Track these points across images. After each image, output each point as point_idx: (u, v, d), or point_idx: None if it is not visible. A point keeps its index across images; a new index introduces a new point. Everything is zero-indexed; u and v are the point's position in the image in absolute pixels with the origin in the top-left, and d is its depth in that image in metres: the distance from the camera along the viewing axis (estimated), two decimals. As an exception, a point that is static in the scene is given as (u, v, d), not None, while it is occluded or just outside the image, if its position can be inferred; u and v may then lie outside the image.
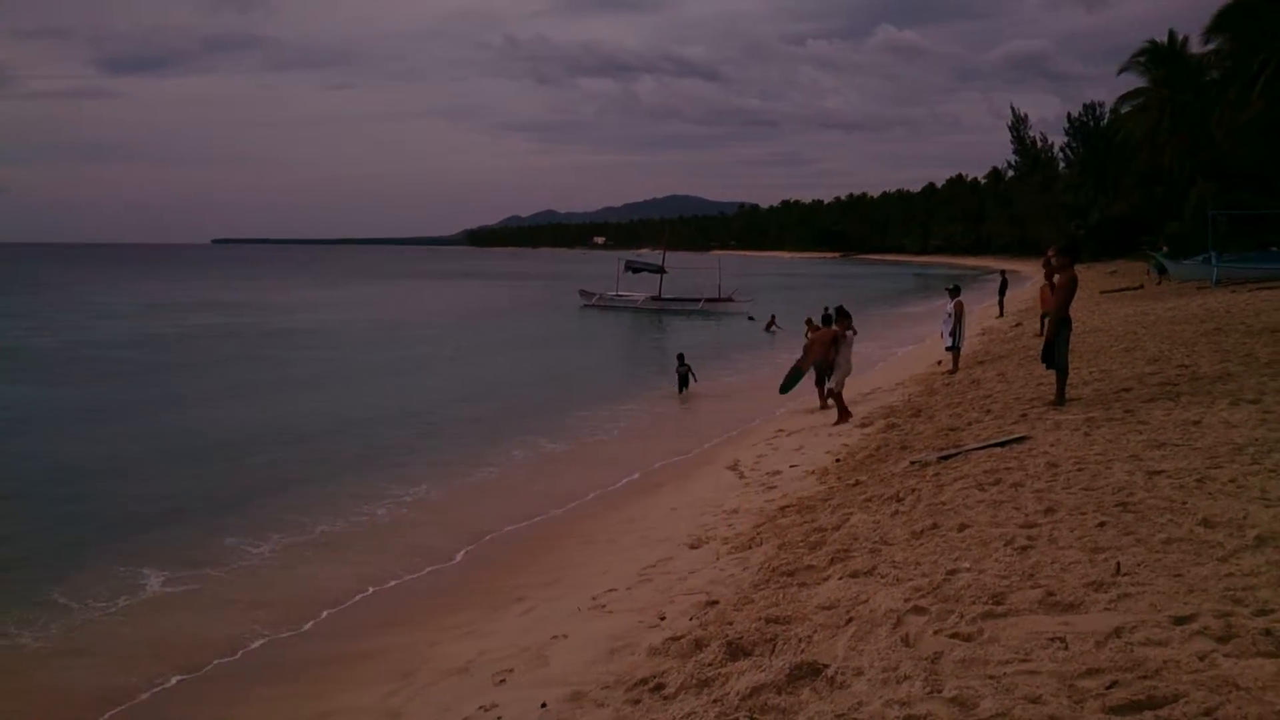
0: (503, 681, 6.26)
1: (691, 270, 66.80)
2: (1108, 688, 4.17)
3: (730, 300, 52.80)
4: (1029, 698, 4.18)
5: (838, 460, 12.08)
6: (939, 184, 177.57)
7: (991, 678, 4.45)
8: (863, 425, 14.46)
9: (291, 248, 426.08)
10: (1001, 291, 39.28)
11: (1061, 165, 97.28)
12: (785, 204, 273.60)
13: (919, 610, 5.49)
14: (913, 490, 8.74)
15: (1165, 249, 43.78)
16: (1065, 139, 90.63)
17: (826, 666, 4.94)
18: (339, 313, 52.57)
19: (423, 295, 73.90)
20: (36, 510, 12.78)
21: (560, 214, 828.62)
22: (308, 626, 8.70)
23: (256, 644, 8.33)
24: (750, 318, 45.08)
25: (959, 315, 19.84)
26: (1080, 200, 78.11)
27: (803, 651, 5.25)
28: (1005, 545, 6.42)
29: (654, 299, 54.72)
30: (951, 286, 20.93)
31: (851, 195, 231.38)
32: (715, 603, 6.89)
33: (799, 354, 19.59)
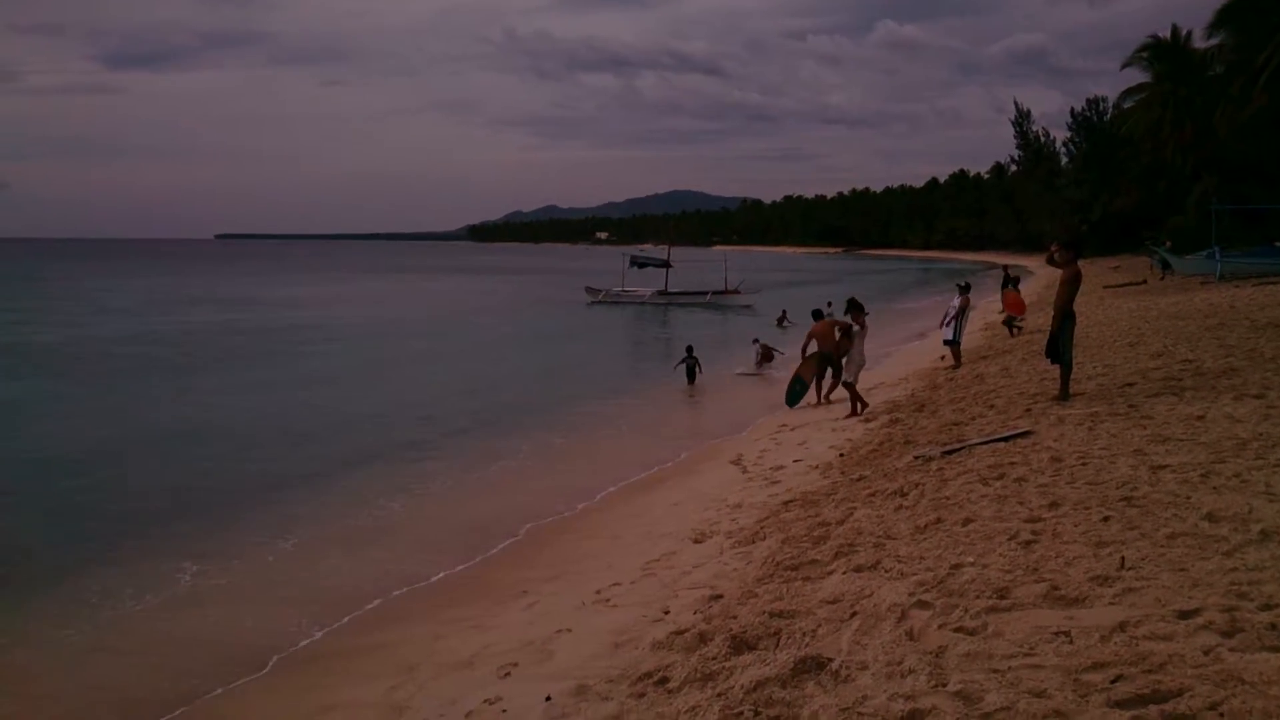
0: (507, 675, 6.27)
1: (698, 264, 66.83)
2: (1112, 682, 4.17)
3: (737, 293, 52.88)
4: (1034, 691, 4.19)
5: (841, 455, 12.08)
6: (941, 179, 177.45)
7: (996, 671, 4.46)
8: (866, 420, 14.46)
9: (295, 243, 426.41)
10: (1004, 287, 39.23)
11: (1064, 160, 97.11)
12: (788, 199, 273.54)
13: (923, 604, 5.49)
14: (916, 485, 8.74)
15: (1168, 244, 43.69)
16: (1068, 134, 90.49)
17: (831, 660, 4.95)
18: (343, 308, 52.60)
19: (427, 290, 73.89)
20: (42, 506, 12.79)
21: (563, 209, 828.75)
22: (308, 622, 8.71)
23: (258, 637, 8.35)
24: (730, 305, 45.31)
25: (963, 311, 19.91)
26: (1083, 195, 77.97)
27: (807, 645, 5.26)
28: (1009, 539, 6.43)
29: (660, 293, 54.73)
30: (962, 284, 21.10)
31: (854, 190, 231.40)
32: (719, 597, 6.90)
33: (798, 352, 19.57)
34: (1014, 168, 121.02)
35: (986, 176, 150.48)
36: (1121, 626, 4.71)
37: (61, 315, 44.66)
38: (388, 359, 29.68)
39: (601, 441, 16.83)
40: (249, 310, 49.59)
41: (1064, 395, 11.92)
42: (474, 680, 6.31)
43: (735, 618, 6.10)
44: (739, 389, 22.63)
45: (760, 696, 4.71)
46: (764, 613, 5.98)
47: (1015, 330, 23.77)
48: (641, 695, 5.29)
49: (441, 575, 9.75)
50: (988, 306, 37.33)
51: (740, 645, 5.53)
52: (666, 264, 56.46)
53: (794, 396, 18.37)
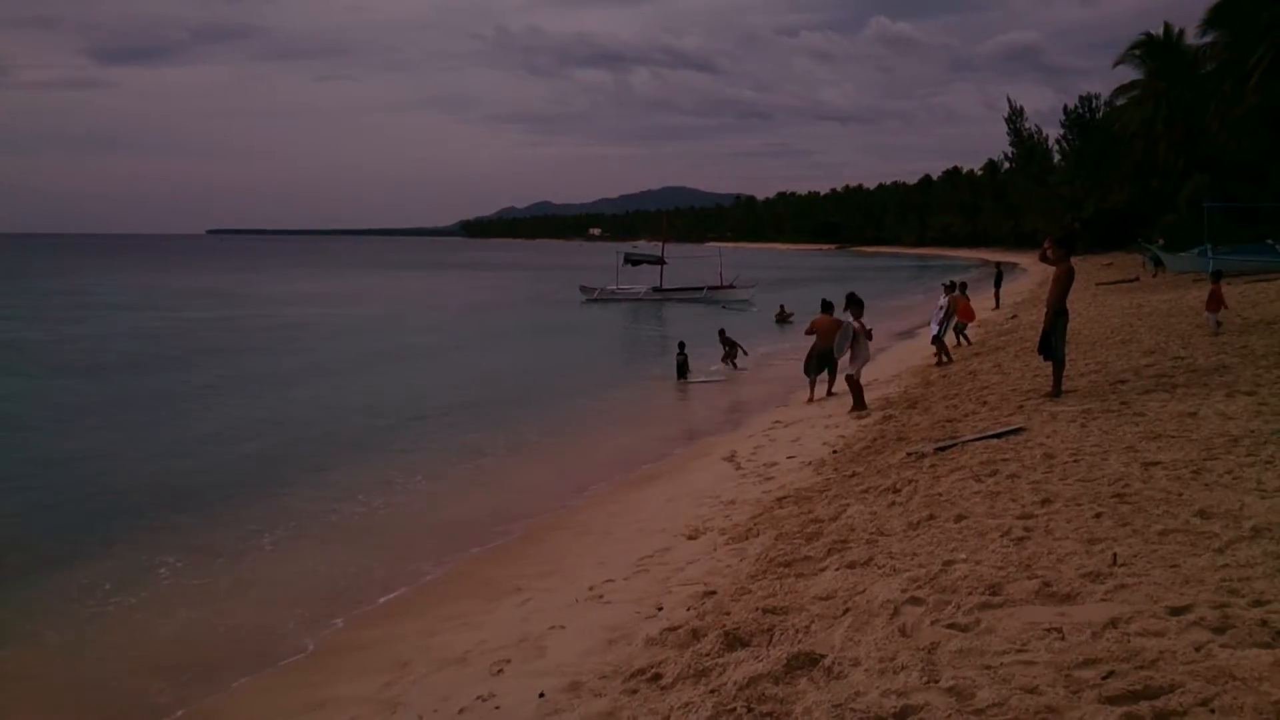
0: (500, 671, 6.27)
1: (692, 260, 66.78)
2: (1104, 678, 4.19)
3: (731, 288, 52.92)
4: (1026, 688, 4.20)
5: (834, 451, 12.09)
6: (935, 176, 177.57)
7: (988, 668, 4.47)
8: (859, 417, 14.47)
9: (287, 238, 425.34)
10: (997, 284, 39.33)
11: (1057, 158, 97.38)
12: (781, 195, 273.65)
13: (916, 601, 5.50)
14: (909, 481, 8.76)
15: (1161, 242, 43.82)
16: (1060, 131, 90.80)
17: (824, 657, 4.95)
18: (335, 304, 52.52)
19: (419, 286, 73.78)
20: (27, 502, 12.73)
21: (556, 205, 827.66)
22: (301, 618, 8.70)
23: (250, 635, 8.34)
24: (721, 305, 45.36)
25: (951, 309, 20.03)
26: (1076, 193, 78.21)
27: (800, 642, 5.27)
28: (1002, 536, 6.44)
29: (655, 290, 54.74)
30: (947, 283, 21.19)
31: (847, 187, 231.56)
32: (713, 593, 6.91)
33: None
34: (1007, 165, 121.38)
35: (979, 174, 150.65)
36: (1113, 623, 4.73)
37: (52, 311, 44.49)
38: (378, 355, 29.62)
39: (594, 438, 16.83)
40: (239, 306, 49.49)
41: (1056, 392, 11.95)
42: (467, 677, 6.31)
43: (728, 614, 6.10)
44: (731, 386, 22.63)
45: (753, 693, 4.71)
46: (757, 609, 5.98)
47: (963, 339, 22.10)
48: (634, 692, 5.29)
49: (434, 572, 9.75)
50: (980, 304, 37.44)
51: (733, 642, 5.53)
52: (660, 261, 56.45)
53: (814, 365, 17.92)
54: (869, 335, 15.87)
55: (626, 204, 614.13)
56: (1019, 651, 4.61)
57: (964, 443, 10.01)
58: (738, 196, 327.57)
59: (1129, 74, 57.94)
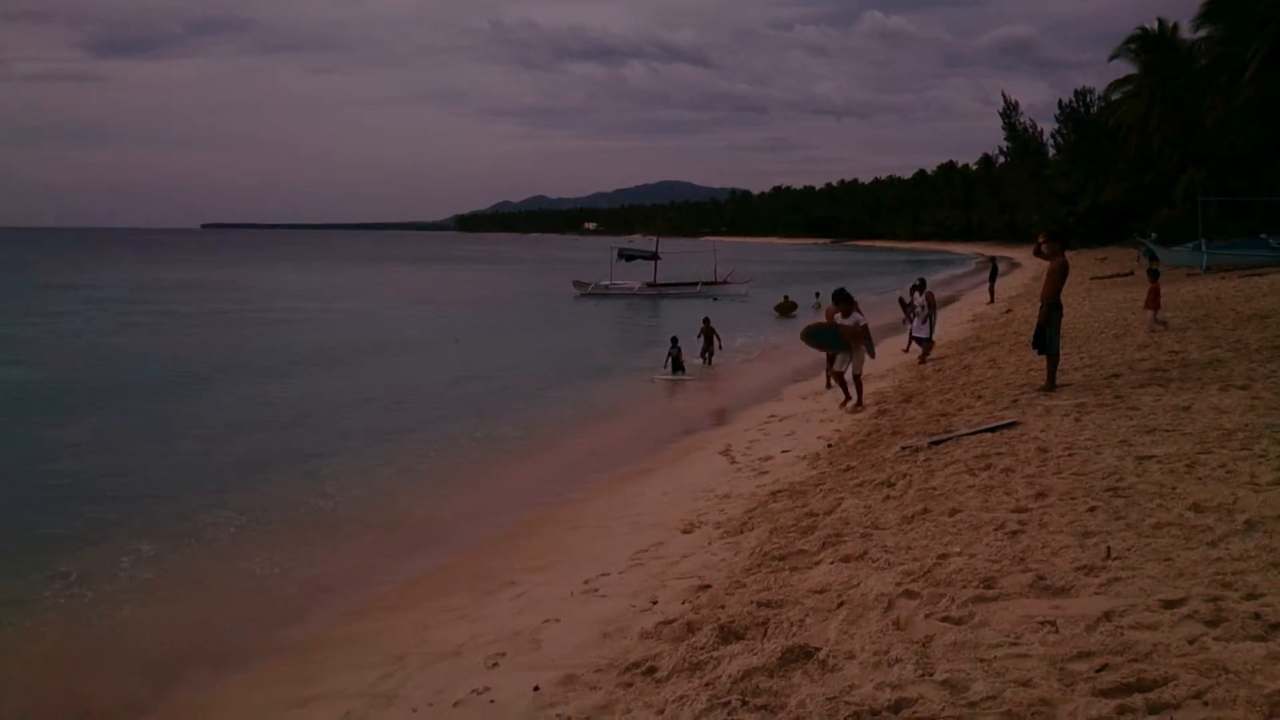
0: (495, 665, 6.27)
1: (687, 255, 66.77)
2: (1098, 671, 4.20)
3: (726, 283, 52.89)
4: (1020, 680, 4.21)
5: (829, 445, 12.10)
6: (930, 170, 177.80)
7: (982, 661, 4.48)
8: (854, 411, 14.48)
9: (281, 232, 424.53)
10: (992, 278, 39.41)
11: (1051, 152, 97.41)
12: (777, 190, 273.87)
13: (910, 594, 5.51)
14: (904, 475, 8.77)
15: (1155, 236, 43.86)
16: (1055, 126, 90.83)
17: (818, 650, 4.96)
18: (328, 298, 52.42)
19: (412, 280, 73.72)
20: (11, 494, 12.71)
21: (551, 199, 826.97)
22: (293, 611, 8.70)
23: (241, 628, 8.34)
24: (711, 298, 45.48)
25: (933, 306, 20.11)
26: (1070, 187, 78.22)
27: (794, 635, 5.27)
28: (996, 530, 6.46)
29: (650, 285, 54.68)
30: (917, 282, 21.21)
31: (843, 181, 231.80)
32: (707, 587, 6.91)
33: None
34: (1001, 159, 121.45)
35: (974, 168, 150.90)
36: (1107, 616, 4.74)
37: (44, 305, 44.35)
38: (368, 348, 29.57)
39: (589, 432, 16.84)
40: (233, 300, 49.37)
41: (1051, 386, 11.97)
42: (462, 670, 6.30)
43: (723, 607, 6.10)
44: (729, 379, 22.65)
45: (748, 686, 4.72)
46: (752, 603, 5.99)
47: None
48: (629, 685, 5.29)
49: (426, 565, 9.75)
50: (975, 299, 37.49)
51: (728, 635, 5.54)
52: (655, 256, 56.40)
53: (814, 336, 17.80)
54: (864, 330, 15.16)
55: (622, 198, 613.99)
56: (1013, 645, 4.62)
57: (958, 437, 10.02)
58: (733, 191, 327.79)
59: (1125, 68, 57.94)
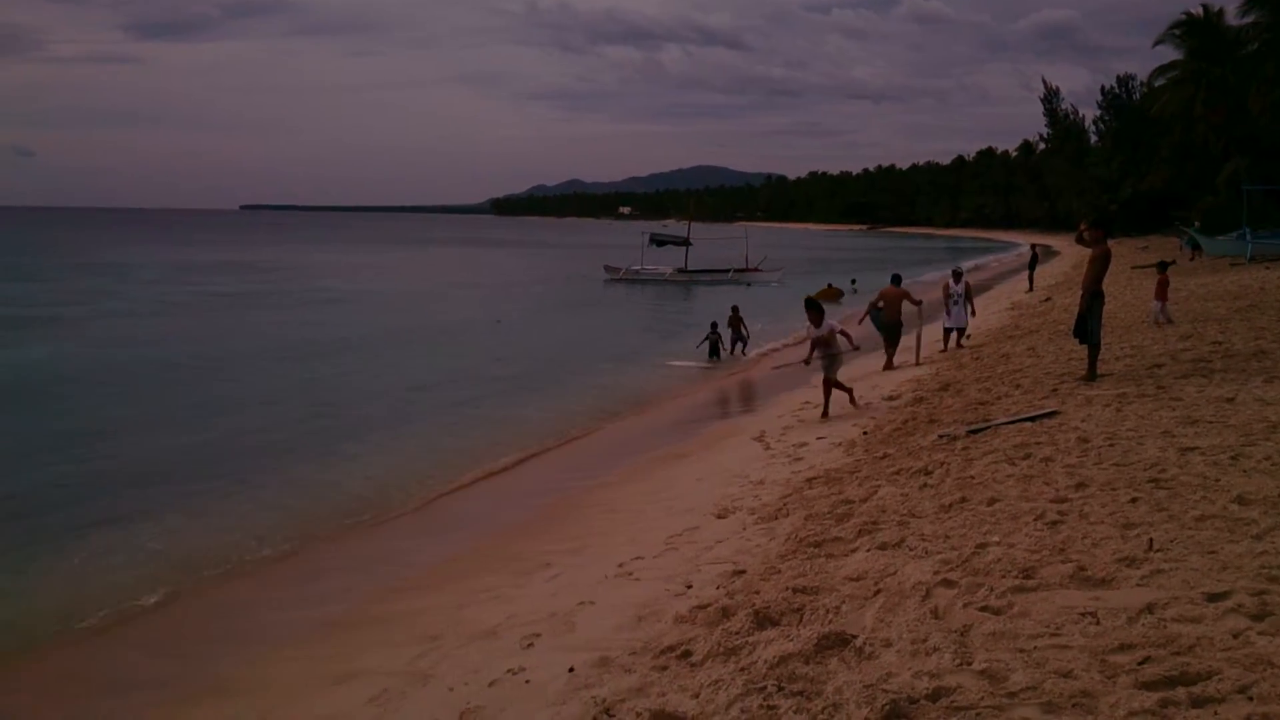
0: (530, 645, 6.30)
1: (719, 240, 66.58)
2: (1140, 663, 4.15)
3: (758, 270, 52.66)
4: (1060, 672, 4.17)
5: (865, 433, 12.04)
6: (968, 156, 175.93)
7: (1022, 651, 4.45)
8: (890, 399, 14.38)
9: (318, 214, 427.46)
10: (1031, 266, 38.94)
11: (1093, 139, 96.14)
12: (813, 175, 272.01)
13: (948, 583, 5.48)
14: (941, 464, 8.71)
15: (1198, 224, 43.18)
16: (1097, 112, 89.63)
17: (855, 637, 4.94)
18: (363, 279, 52.83)
19: (446, 263, 74.07)
20: (50, 472, 12.92)
21: (586, 183, 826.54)
22: (329, 590, 8.81)
23: (280, 606, 8.46)
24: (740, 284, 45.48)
25: (969, 294, 19.92)
26: (1112, 174, 77.20)
27: (830, 622, 5.26)
28: (1035, 520, 6.40)
29: (681, 271, 54.55)
30: (956, 269, 21.01)
31: (880, 167, 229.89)
32: (742, 572, 6.90)
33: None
34: (1042, 146, 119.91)
35: (1014, 154, 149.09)
36: (1149, 608, 4.68)
37: (84, 285, 45.05)
38: (402, 330, 29.80)
39: (619, 417, 16.86)
40: (270, 281, 49.86)
41: (1091, 375, 11.83)
42: (498, 650, 6.34)
43: (758, 593, 6.10)
44: (762, 365, 22.57)
45: (784, 672, 4.71)
46: (787, 589, 5.97)
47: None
48: (664, 668, 5.30)
49: (462, 546, 9.83)
50: (1014, 287, 37.12)
51: (763, 620, 5.53)
52: (686, 242, 56.23)
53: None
54: (846, 336, 14.45)
55: (657, 182, 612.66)
56: (1053, 635, 4.58)
57: (997, 425, 9.94)
58: (769, 176, 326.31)
59: (1169, 54, 56.99)
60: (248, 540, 10.12)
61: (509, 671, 5.84)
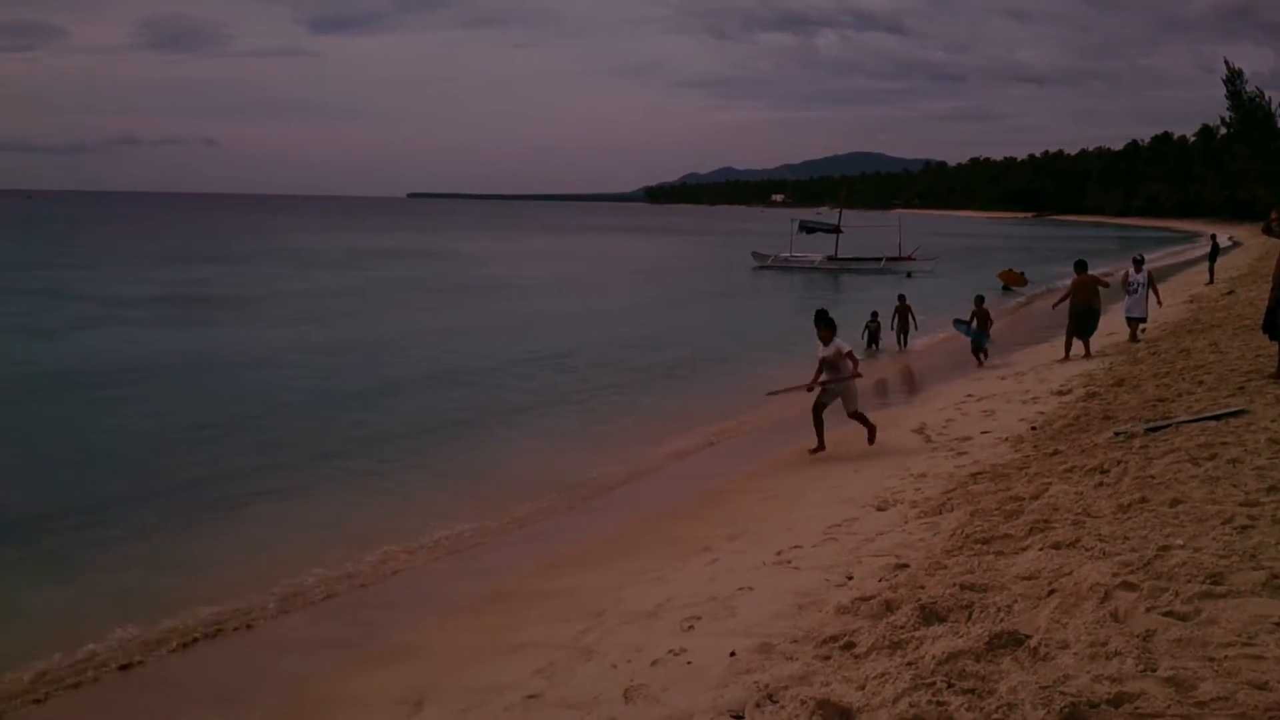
0: (690, 628, 6.36)
1: (871, 228, 65.29)
2: (1345, 679, 3.90)
3: (911, 259, 51.41)
4: (1254, 683, 3.96)
5: (1033, 428, 11.64)
6: (1143, 141, 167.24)
7: (1211, 660, 4.24)
8: (1060, 393, 13.85)
9: (480, 202, 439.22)
10: (1212, 257, 36.79)
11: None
12: (974, 161, 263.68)
13: (1129, 586, 5.26)
14: (1118, 462, 8.35)
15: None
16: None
17: (1029, 637, 4.80)
18: (521, 265, 54.14)
19: (600, 249, 75.06)
20: (220, 444, 13.73)
21: (739, 171, 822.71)
22: (496, 563, 9.11)
23: (451, 576, 8.80)
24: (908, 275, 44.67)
25: (1151, 283, 19.10)
26: (1305, 160, 72.11)
27: (1002, 621, 5.12)
28: (1223, 523, 6.07)
29: (831, 259, 53.73)
30: (1138, 257, 20.11)
31: (1046, 153, 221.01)
32: (905, 566, 6.80)
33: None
34: (1224, 130, 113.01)
35: (1193, 139, 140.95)
36: (1354, 621, 4.40)
37: (262, 267, 47.69)
38: (555, 315, 30.35)
39: (770, 404, 16.75)
40: (437, 265, 51.63)
41: (1283, 374, 11.12)
42: (658, 630, 6.43)
43: (923, 588, 5.99)
44: (921, 356, 22.08)
45: (953, 669, 4.62)
46: (954, 585, 5.85)
47: (982, 357, 19.76)
48: (827, 658, 5.27)
49: (621, 528, 10.01)
50: (1192, 279, 35.17)
51: (930, 616, 5.43)
52: (836, 229, 55.32)
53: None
54: (853, 361, 12.48)
55: (810, 170, 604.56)
56: (1245, 645, 4.35)
57: (1178, 424, 9.45)
58: (927, 162, 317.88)
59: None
60: (413, 512, 10.54)
61: (670, 652, 5.91)
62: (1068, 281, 20.32)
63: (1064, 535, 6.49)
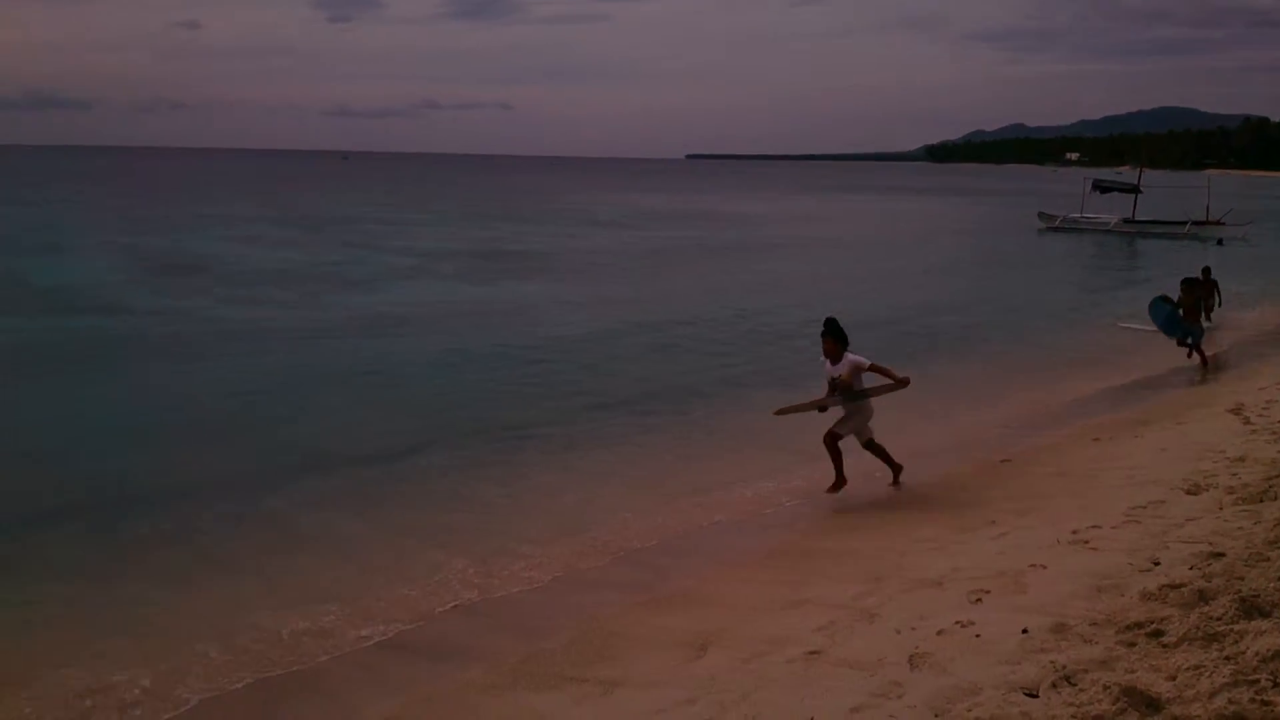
0: (979, 601, 6.19)
1: (1175, 189, 59.97)
2: None
3: (1220, 224, 46.75)
4: None
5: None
6: None
7: None
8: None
9: (757, 163, 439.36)
10: None
11: None
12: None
13: None
14: None
15: None
16: None
17: (1376, 641, 4.35)
18: (797, 225, 53.80)
19: (883, 210, 73.35)
20: (525, 389, 14.57)
21: (1029, 128, 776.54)
22: (780, 517, 9.29)
23: (734, 530, 9.02)
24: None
25: None
26: None
27: (1342, 624, 4.66)
28: None
29: (1127, 221, 49.79)
30: None
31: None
32: (1221, 555, 6.28)
33: None
34: None
35: None
36: None
37: (553, 226, 50.04)
38: (835, 276, 29.99)
39: (1059, 375, 15.88)
40: (715, 226, 52.30)
41: None
42: (944, 600, 6.31)
43: (1242, 579, 5.53)
44: (1237, 328, 20.20)
45: (1279, 667, 4.27)
46: (1279, 578, 5.37)
47: (1193, 352, 16.80)
48: (1132, 644, 4.99)
49: (898, 492, 9.87)
50: None
51: (1250, 609, 5.01)
52: (1135, 189, 51.10)
53: None
54: (886, 374, 9.84)
55: (1111, 126, 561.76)
56: None
57: None
58: (1246, 118, 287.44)
59: None
60: (688, 463, 10.89)
61: (957, 623, 5.78)
62: None
63: None
